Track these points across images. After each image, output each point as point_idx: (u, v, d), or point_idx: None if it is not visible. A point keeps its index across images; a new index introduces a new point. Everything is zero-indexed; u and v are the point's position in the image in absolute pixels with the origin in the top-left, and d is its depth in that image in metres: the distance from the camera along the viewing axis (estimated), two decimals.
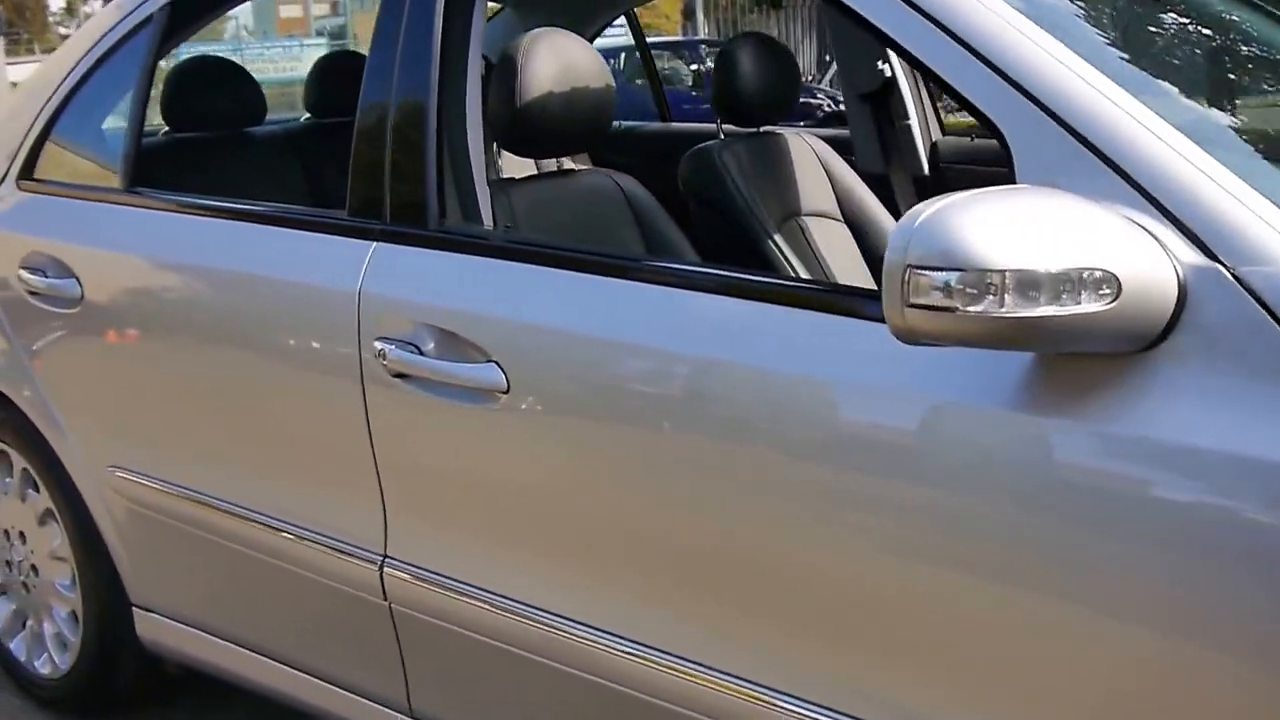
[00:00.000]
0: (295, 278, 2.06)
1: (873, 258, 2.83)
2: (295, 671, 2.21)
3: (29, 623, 2.77)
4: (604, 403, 1.67)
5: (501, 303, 1.79)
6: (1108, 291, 1.17)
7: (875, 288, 1.29)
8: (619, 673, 1.67)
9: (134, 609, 2.50)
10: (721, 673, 1.56)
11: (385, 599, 1.96)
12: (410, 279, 1.89)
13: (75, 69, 2.61)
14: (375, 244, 1.94)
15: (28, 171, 2.64)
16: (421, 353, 1.81)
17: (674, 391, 1.61)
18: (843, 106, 4.12)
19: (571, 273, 1.76)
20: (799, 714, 1.50)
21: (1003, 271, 1.15)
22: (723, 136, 2.82)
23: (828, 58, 16.66)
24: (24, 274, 2.52)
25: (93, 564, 2.57)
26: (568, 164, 2.99)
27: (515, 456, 1.77)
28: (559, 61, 1.99)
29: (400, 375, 1.83)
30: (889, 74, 3.30)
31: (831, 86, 14.37)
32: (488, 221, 1.93)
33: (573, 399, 1.71)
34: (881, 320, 1.24)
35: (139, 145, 2.50)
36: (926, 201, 1.22)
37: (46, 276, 2.48)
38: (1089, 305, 1.17)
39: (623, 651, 1.66)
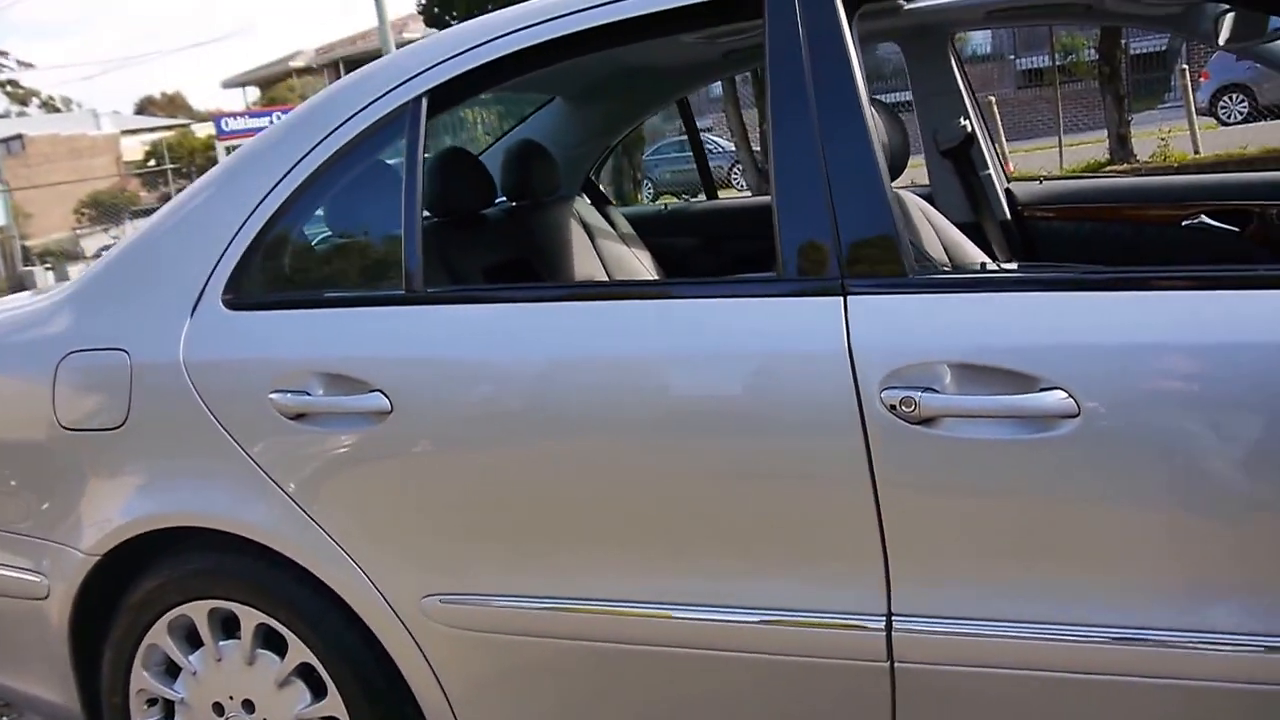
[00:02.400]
0: (740, 349, 1.87)
1: None
2: None
3: None
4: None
5: (1046, 332, 1.70)
6: None
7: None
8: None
9: None
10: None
11: (889, 660, 1.81)
12: (905, 325, 1.78)
13: (291, 173, 2.25)
14: (845, 298, 1.81)
15: (234, 288, 2.25)
16: (940, 393, 1.72)
17: None
18: None
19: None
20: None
21: None
22: None
23: None
24: (284, 398, 2.14)
25: (380, 712, 2.24)
26: None
27: (1092, 487, 1.68)
28: None
29: (923, 421, 1.72)
30: (970, 128, 3.43)
31: None
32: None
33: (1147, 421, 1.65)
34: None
35: (421, 244, 2.15)
36: None
37: (323, 396, 2.12)
38: None
39: None
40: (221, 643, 2.35)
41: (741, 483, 1.87)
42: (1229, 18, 2.55)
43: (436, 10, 16.72)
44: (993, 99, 17.33)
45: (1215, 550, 1.65)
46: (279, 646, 2.30)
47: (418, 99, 2.19)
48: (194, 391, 2.21)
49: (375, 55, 7.80)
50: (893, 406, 1.73)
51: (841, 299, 1.81)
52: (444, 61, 2.20)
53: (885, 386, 1.73)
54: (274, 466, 2.17)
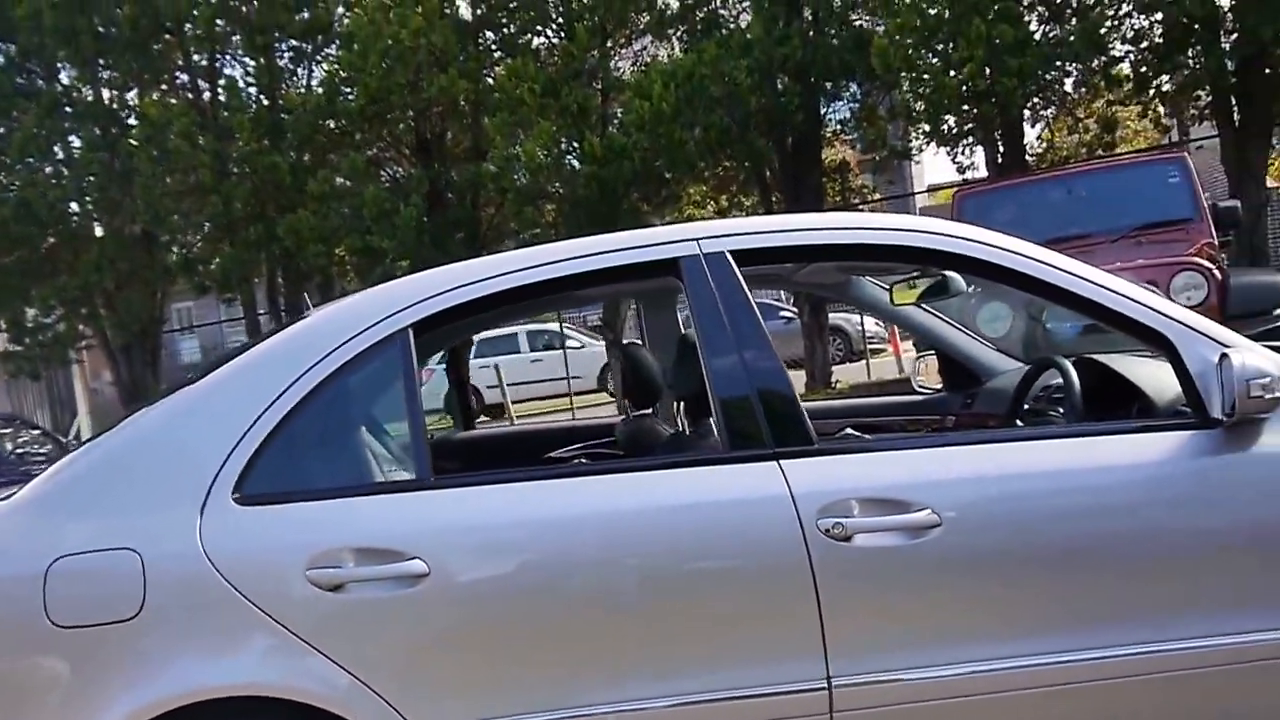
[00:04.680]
0: (711, 499, 2.48)
1: None
2: None
3: None
4: None
5: (910, 473, 2.49)
6: None
7: None
8: None
9: None
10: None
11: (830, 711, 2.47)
12: (822, 475, 2.48)
13: (293, 387, 2.59)
14: (776, 463, 2.49)
15: (242, 487, 2.52)
16: (854, 518, 2.43)
17: None
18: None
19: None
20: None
21: None
22: None
23: None
24: (322, 574, 2.44)
25: None
26: None
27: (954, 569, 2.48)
28: None
29: (846, 539, 2.41)
30: None
31: None
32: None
33: None
34: None
35: (428, 440, 2.65)
36: None
37: (359, 567, 2.46)
38: None
39: None
40: None
41: (720, 597, 2.48)
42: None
43: None
44: None
45: (1029, 604, 2.49)
46: None
47: (404, 329, 2.66)
48: (222, 579, 2.45)
49: None
50: (826, 530, 2.41)
51: (777, 463, 2.49)
52: (426, 300, 2.69)
53: (820, 517, 2.41)
54: (310, 633, 2.46)
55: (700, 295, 2.67)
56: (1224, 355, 2.48)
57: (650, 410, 3.58)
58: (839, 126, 14.04)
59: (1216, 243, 7.85)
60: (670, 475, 2.59)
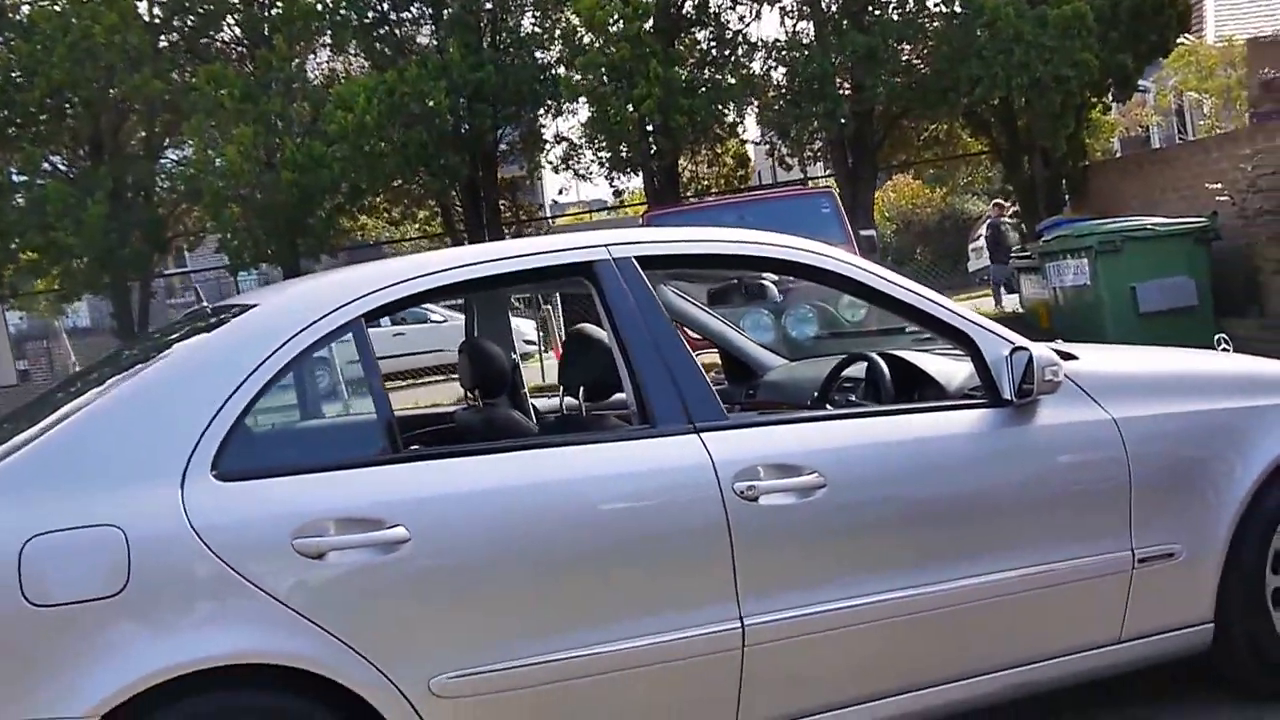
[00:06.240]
0: (645, 468, 2.84)
1: None
2: None
3: None
4: None
5: (802, 442, 2.97)
6: None
7: None
8: None
9: None
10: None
11: (742, 645, 2.82)
12: (736, 445, 2.90)
13: (261, 368, 2.68)
14: (697, 435, 2.87)
15: (219, 464, 2.57)
16: (762, 480, 2.87)
17: None
18: None
19: None
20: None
21: None
22: None
23: None
24: (308, 542, 2.53)
25: None
26: None
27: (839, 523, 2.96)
28: None
29: (754, 499, 2.84)
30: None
31: None
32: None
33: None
34: None
35: (394, 415, 2.86)
36: None
37: (342, 535, 2.56)
38: None
39: None
40: None
41: (654, 552, 2.82)
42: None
43: None
44: None
45: (892, 548, 2.99)
46: None
47: (356, 319, 2.83)
48: (210, 553, 2.49)
49: None
50: (740, 493, 2.83)
51: (698, 435, 2.91)
52: (377, 290, 2.89)
53: (735, 481, 2.84)
54: (299, 602, 2.53)
55: (614, 294, 2.99)
56: (1014, 350, 3.09)
57: (495, 400, 3.73)
58: (507, 147, 14.62)
59: None
60: (606, 448, 2.88)
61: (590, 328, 3.41)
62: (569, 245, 3.14)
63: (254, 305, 2.99)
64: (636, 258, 3.08)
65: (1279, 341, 7.90)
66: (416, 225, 15.77)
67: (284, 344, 2.74)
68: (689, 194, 15.01)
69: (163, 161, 11.72)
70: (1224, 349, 3.81)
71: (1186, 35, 15.61)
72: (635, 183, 15.44)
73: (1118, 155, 15.84)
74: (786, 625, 2.86)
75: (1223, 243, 10.49)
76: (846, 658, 2.95)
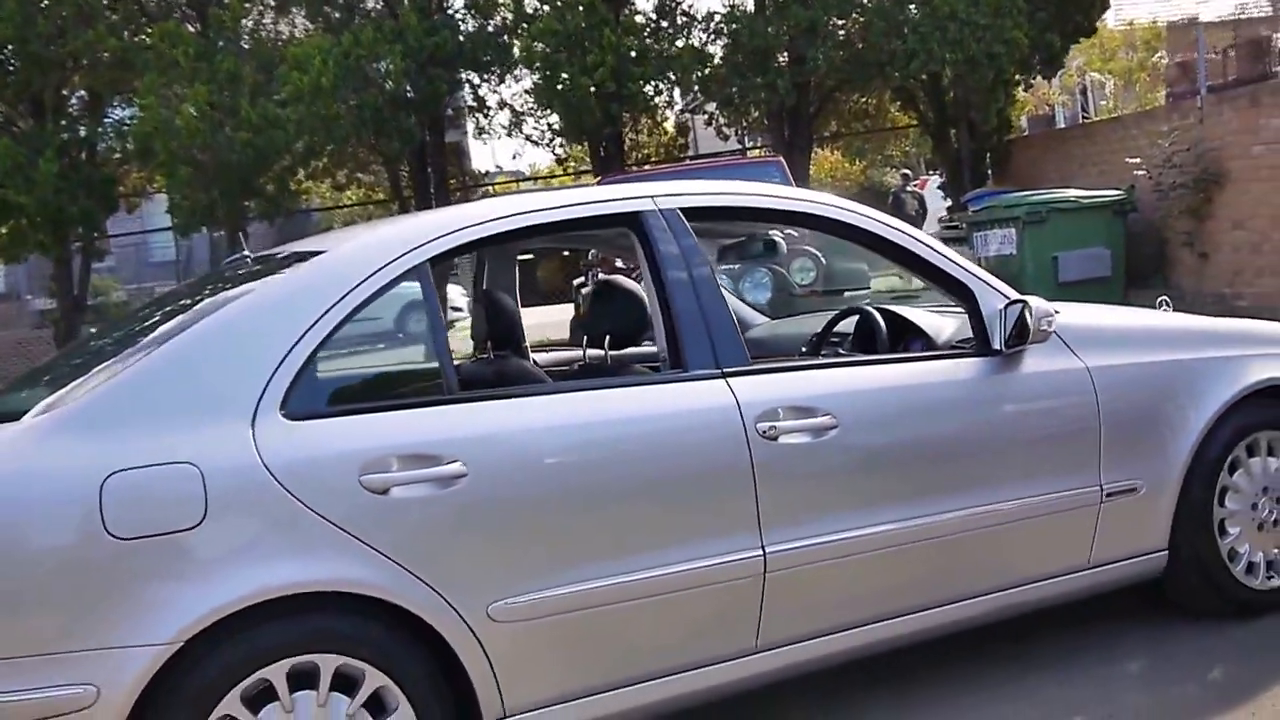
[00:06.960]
0: (681, 408, 3.02)
1: None
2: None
3: None
4: None
5: (814, 386, 3.22)
6: None
7: None
8: None
9: None
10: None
11: (764, 571, 3.05)
12: (759, 388, 3.12)
13: (329, 313, 2.77)
14: (725, 380, 3.09)
15: (288, 404, 2.66)
16: (782, 421, 3.10)
17: None
18: None
19: None
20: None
21: None
22: None
23: None
24: (367, 479, 2.64)
25: (443, 705, 2.76)
26: None
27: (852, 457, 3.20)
28: None
29: (775, 438, 3.07)
30: None
31: None
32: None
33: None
34: None
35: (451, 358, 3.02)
36: None
37: (406, 471, 2.68)
38: None
39: None
40: (295, 694, 2.63)
41: (687, 487, 3.00)
42: None
43: None
44: None
45: (897, 482, 3.22)
46: (349, 688, 2.66)
47: (424, 262, 2.94)
48: (281, 488, 2.59)
49: None
50: (763, 432, 3.07)
51: (725, 379, 3.14)
52: (442, 236, 3.00)
53: (758, 421, 3.08)
54: (365, 533, 2.65)
55: (659, 243, 3.14)
56: (1009, 303, 3.34)
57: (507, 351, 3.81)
58: (453, 113, 14.66)
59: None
60: (644, 390, 3.09)
61: (619, 279, 3.60)
62: (618, 195, 3.29)
63: (320, 251, 3.10)
64: (681, 209, 3.24)
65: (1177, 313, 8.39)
66: (363, 190, 15.70)
67: (354, 288, 2.83)
68: (630, 163, 15.19)
69: (109, 120, 11.48)
70: (1165, 310, 4.15)
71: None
72: (575, 151, 15.57)
73: (1025, 134, 16.40)
74: (801, 553, 3.09)
75: (1138, 215, 11.03)
76: (854, 583, 3.21)
